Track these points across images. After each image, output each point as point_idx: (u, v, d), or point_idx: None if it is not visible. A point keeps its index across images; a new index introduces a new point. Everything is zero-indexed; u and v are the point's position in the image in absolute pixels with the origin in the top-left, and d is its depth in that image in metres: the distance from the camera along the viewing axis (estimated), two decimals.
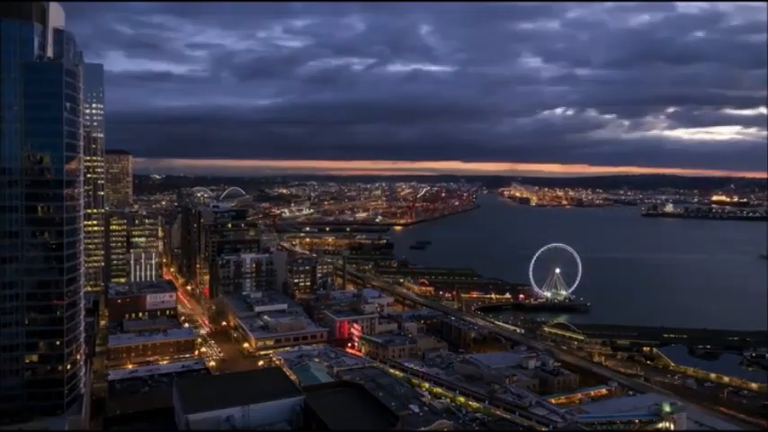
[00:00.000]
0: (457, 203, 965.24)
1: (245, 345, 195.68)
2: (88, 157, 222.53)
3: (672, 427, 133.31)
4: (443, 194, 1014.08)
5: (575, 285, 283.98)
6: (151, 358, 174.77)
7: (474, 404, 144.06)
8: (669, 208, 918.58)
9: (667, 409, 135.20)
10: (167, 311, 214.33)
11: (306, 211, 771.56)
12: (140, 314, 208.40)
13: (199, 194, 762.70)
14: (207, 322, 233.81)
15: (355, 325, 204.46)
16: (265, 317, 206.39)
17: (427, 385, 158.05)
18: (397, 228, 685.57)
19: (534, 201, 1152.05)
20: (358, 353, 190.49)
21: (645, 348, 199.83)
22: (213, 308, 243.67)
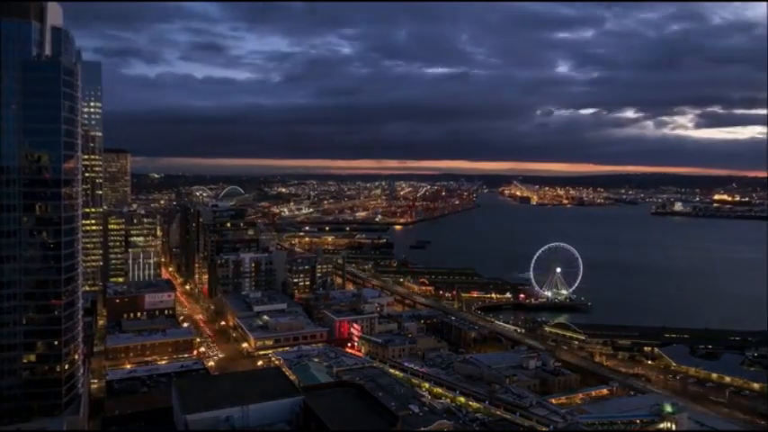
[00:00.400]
0: (457, 202, 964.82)
1: (245, 344, 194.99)
2: (86, 156, 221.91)
3: (673, 427, 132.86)
4: (443, 193, 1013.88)
5: (575, 285, 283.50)
6: (150, 358, 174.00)
7: (474, 404, 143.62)
8: (678, 207, 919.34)
9: (668, 409, 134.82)
10: (166, 311, 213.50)
11: (305, 211, 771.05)
12: (139, 314, 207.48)
13: (197, 193, 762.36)
14: (205, 322, 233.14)
15: (355, 325, 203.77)
16: (264, 316, 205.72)
17: (427, 385, 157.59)
18: (397, 227, 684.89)
19: (535, 200, 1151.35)
20: (358, 353, 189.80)
21: (646, 348, 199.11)
22: (212, 307, 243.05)
